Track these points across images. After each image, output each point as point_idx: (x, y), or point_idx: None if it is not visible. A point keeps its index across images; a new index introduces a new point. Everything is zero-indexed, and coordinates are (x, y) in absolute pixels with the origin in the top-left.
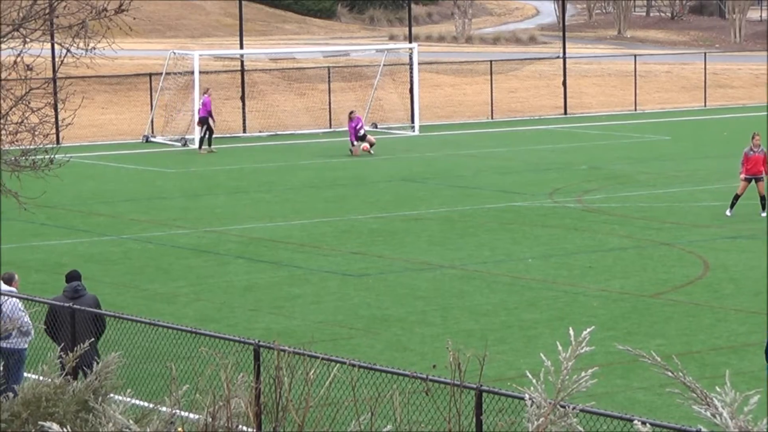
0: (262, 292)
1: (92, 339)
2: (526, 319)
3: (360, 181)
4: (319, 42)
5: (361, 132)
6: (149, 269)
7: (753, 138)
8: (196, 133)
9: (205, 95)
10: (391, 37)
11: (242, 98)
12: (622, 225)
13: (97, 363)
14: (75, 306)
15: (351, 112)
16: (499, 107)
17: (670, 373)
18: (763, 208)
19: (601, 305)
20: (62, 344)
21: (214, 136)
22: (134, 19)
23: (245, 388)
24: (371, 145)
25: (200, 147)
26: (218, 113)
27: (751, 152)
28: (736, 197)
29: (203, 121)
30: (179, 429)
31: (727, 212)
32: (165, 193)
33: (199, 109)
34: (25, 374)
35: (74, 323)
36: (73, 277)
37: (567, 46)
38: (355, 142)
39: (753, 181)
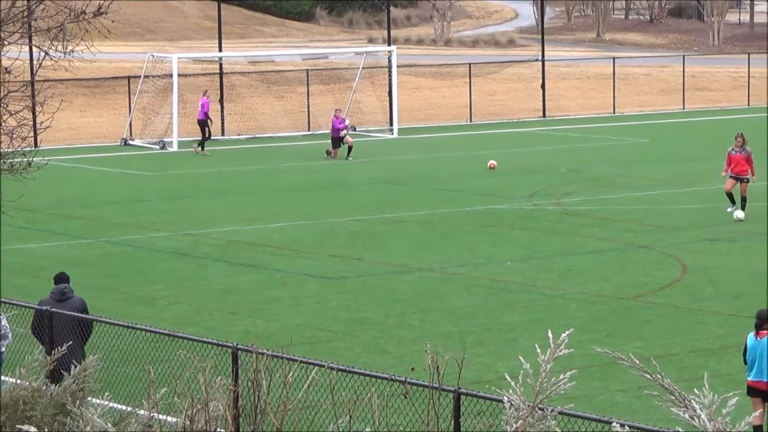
0: (241, 295)
1: (70, 342)
2: (505, 322)
3: (339, 184)
4: (298, 45)
5: (342, 134)
6: (128, 272)
7: (736, 138)
8: (175, 134)
9: (204, 97)
10: (370, 40)
11: (221, 101)
12: (601, 228)
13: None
14: (54, 310)
15: (337, 110)
16: (478, 110)
17: (648, 376)
18: (742, 209)
19: (580, 308)
20: (50, 347)
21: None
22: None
23: (223, 391)
24: (350, 148)
25: (201, 147)
26: (196, 116)
27: (734, 152)
28: (728, 194)
29: (202, 123)
30: None
31: (729, 209)
32: (144, 196)
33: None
34: (3, 378)
35: (52, 326)
36: (60, 279)
37: (546, 48)
38: (343, 134)
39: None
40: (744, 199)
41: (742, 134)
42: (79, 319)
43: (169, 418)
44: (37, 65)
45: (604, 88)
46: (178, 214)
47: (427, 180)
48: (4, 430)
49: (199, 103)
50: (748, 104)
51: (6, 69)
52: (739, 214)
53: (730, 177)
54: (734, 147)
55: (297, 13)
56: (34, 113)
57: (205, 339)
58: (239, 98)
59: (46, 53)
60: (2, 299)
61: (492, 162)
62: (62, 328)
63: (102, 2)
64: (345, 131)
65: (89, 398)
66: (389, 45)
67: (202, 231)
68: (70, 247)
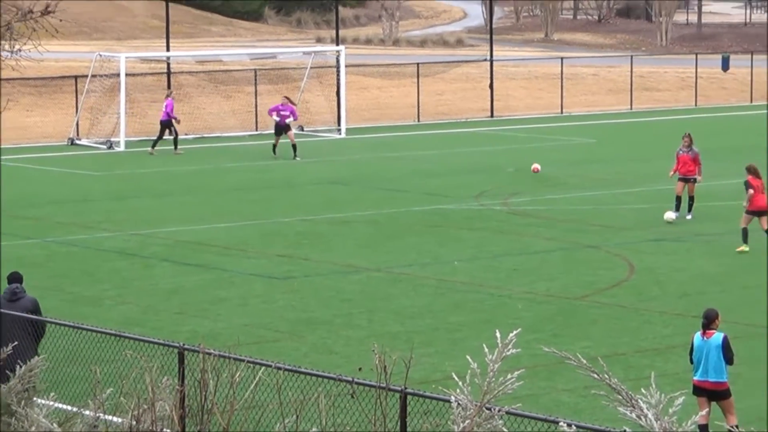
0: (188, 295)
1: (16, 342)
2: (452, 322)
3: (286, 184)
4: (245, 44)
5: (287, 121)
6: (74, 272)
7: (683, 138)
8: (122, 134)
9: (168, 98)
10: (319, 40)
11: None
12: (548, 228)
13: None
14: (2, 310)
15: (285, 97)
16: (426, 110)
17: (595, 375)
18: (690, 209)
19: (527, 308)
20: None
21: (165, 138)
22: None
23: (170, 391)
24: (294, 147)
25: (153, 147)
26: (144, 115)
27: (681, 152)
28: (678, 198)
29: (167, 124)
30: None
31: (673, 215)
32: (90, 196)
33: (169, 112)
34: None
35: (0, 326)
36: (12, 279)
37: (494, 48)
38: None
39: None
40: (692, 199)
41: (689, 134)
42: (29, 319)
43: (115, 419)
44: None
45: (552, 88)
46: (124, 213)
47: (375, 180)
48: None
49: (163, 103)
50: (696, 104)
51: None
52: (670, 215)
53: (679, 179)
54: (682, 147)
55: (245, 12)
56: None
57: (152, 339)
58: (187, 98)
59: None
60: None
61: (536, 165)
62: (11, 328)
63: (49, 1)
64: (292, 119)
65: (35, 398)
66: (337, 45)
67: (149, 231)
68: (16, 247)
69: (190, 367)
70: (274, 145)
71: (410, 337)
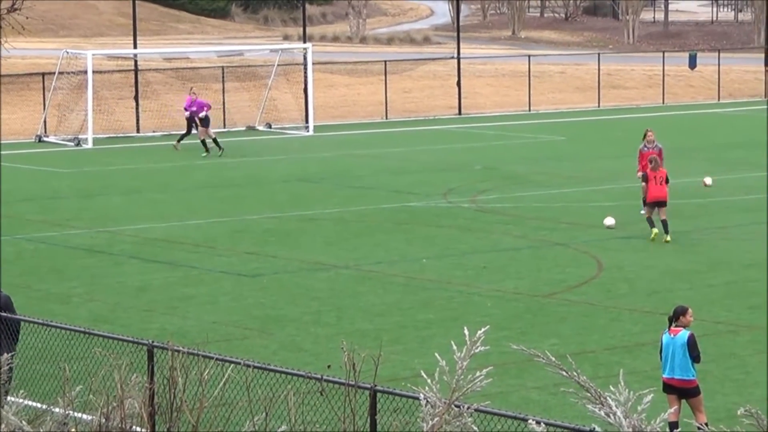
0: (157, 292)
1: None
2: (421, 320)
3: (254, 181)
4: (213, 42)
5: (202, 114)
6: (42, 269)
7: (646, 134)
8: (90, 131)
9: (191, 95)
10: (286, 37)
11: (136, 98)
12: (517, 225)
13: None
14: None
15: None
16: (394, 107)
17: (564, 373)
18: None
19: (496, 305)
20: None
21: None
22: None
23: (139, 388)
24: (218, 143)
25: (178, 142)
26: (111, 113)
27: (645, 148)
28: (644, 200)
29: (199, 120)
30: (72, 430)
31: (642, 211)
32: (59, 193)
33: (187, 107)
34: None
35: None
36: None
37: (461, 46)
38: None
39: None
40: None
41: (651, 130)
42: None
43: (85, 416)
44: None
45: (519, 86)
46: (93, 211)
47: (343, 177)
48: None
49: (187, 101)
50: (663, 102)
51: None
52: (610, 221)
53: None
54: (645, 144)
55: (212, 10)
56: None
57: (121, 336)
58: (154, 95)
59: None
60: None
61: (707, 179)
62: None
63: None
64: (205, 112)
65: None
66: (305, 42)
67: (117, 228)
68: None
69: (159, 365)
70: (203, 141)
71: (379, 334)
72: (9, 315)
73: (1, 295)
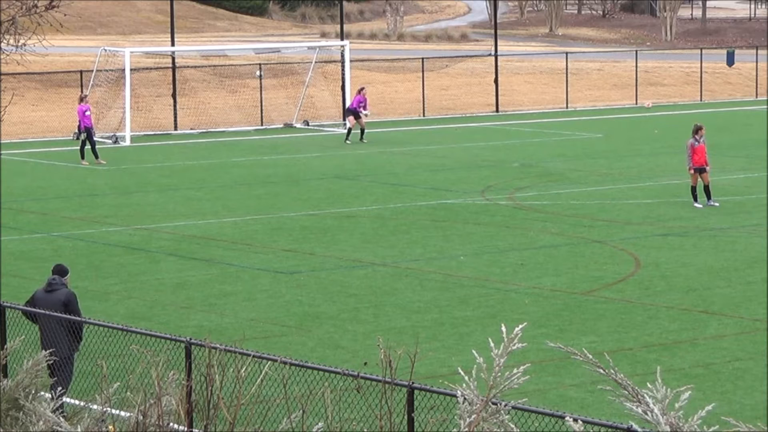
0: (194, 289)
1: None
2: (458, 317)
3: (292, 179)
4: (250, 39)
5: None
6: (80, 267)
7: (699, 129)
8: (128, 129)
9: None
10: (323, 35)
11: (173, 95)
12: (554, 222)
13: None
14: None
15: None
16: (431, 105)
17: (601, 370)
18: (708, 197)
19: (533, 303)
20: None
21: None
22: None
23: (176, 385)
24: (362, 131)
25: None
26: (149, 110)
27: (696, 143)
28: (693, 189)
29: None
30: (110, 427)
31: (696, 205)
32: (96, 191)
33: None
34: None
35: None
36: (54, 270)
37: (499, 43)
38: (362, 112)
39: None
40: (707, 187)
41: (702, 125)
42: (60, 312)
43: (122, 413)
44: None
45: (556, 83)
46: (130, 208)
47: (380, 174)
48: None
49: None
50: (701, 99)
51: None
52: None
53: (695, 171)
54: (696, 138)
55: (250, 7)
56: None
57: (158, 333)
58: (192, 92)
59: None
60: None
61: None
62: (45, 319)
63: None
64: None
65: (42, 393)
66: (342, 39)
67: (154, 225)
68: (22, 242)
69: (196, 362)
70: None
71: (416, 331)
72: (59, 315)
73: (63, 291)
